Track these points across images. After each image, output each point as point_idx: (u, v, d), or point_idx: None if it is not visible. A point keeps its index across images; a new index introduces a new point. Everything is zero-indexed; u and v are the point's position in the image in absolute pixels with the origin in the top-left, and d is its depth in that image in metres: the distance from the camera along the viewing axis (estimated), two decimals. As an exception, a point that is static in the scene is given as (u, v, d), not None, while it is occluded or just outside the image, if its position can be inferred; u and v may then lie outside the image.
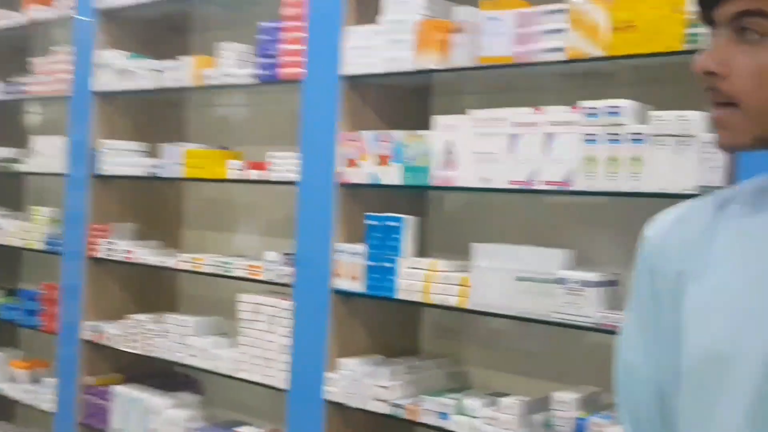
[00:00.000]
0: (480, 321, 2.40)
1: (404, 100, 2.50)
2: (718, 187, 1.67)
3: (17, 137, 3.70)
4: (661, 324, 1.00)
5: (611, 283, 1.94)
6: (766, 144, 0.91)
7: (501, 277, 2.05)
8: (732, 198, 1.01)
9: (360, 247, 2.33)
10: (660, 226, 1.04)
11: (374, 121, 2.43)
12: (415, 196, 2.49)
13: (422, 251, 2.50)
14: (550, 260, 1.98)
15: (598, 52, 1.89)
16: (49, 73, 3.38)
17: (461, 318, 2.48)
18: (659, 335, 1.00)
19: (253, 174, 2.62)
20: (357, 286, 2.33)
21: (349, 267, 2.36)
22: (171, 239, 3.32)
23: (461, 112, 2.15)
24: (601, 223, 2.24)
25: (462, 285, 2.13)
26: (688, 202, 1.06)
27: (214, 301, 3.11)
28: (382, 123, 2.44)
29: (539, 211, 2.33)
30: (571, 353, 2.28)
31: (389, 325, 2.56)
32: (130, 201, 3.26)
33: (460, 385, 2.49)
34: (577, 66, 1.97)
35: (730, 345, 0.89)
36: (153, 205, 3.32)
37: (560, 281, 1.93)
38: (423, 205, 2.56)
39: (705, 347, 0.91)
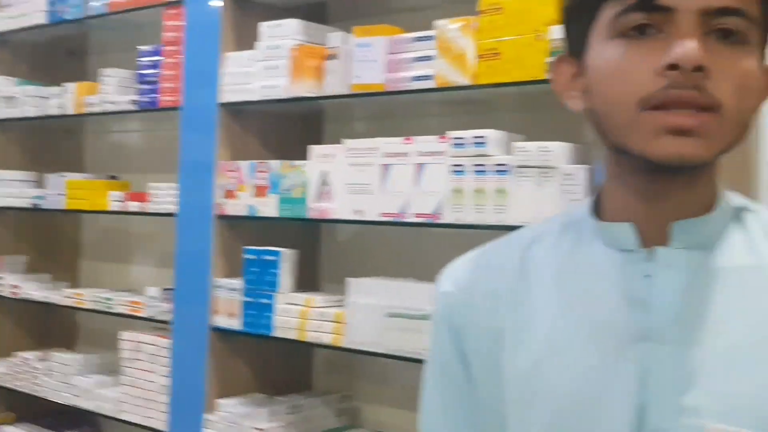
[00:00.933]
0: (369, 356, 2.32)
1: (290, 128, 2.42)
2: (580, 221, 1.63)
3: None
4: (477, 391, 0.91)
5: (484, 320, 1.86)
6: (716, 159, 0.83)
7: (373, 314, 1.96)
8: (534, 239, 0.93)
9: (238, 282, 2.23)
10: (461, 277, 0.94)
11: (258, 151, 2.35)
12: (305, 228, 2.41)
13: (314, 285, 2.42)
14: (421, 295, 1.90)
15: (466, 81, 1.83)
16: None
17: (351, 353, 2.39)
18: (472, 406, 0.91)
19: (133, 206, 2.51)
20: (234, 324, 2.23)
21: (227, 303, 2.26)
22: (68, 271, 3.19)
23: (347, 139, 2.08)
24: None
25: (337, 322, 2.04)
26: (486, 248, 0.97)
27: (111, 337, 2.98)
28: (267, 152, 2.35)
29: (431, 242, 2.25)
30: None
31: (276, 362, 2.45)
32: (24, 232, 3.13)
33: (349, 422, 2.39)
34: (446, 94, 1.91)
35: (589, 403, 0.82)
36: (48, 236, 3.18)
37: (429, 317, 1.85)
38: (315, 237, 2.48)
39: (555, 411, 0.84)
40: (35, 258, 3.12)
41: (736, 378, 0.80)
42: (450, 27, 1.86)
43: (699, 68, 0.76)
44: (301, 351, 2.47)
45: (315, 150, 2.10)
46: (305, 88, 2.10)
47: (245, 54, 2.24)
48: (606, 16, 0.82)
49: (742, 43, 0.79)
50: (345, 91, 2.03)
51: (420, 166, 1.89)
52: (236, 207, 2.25)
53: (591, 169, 1.64)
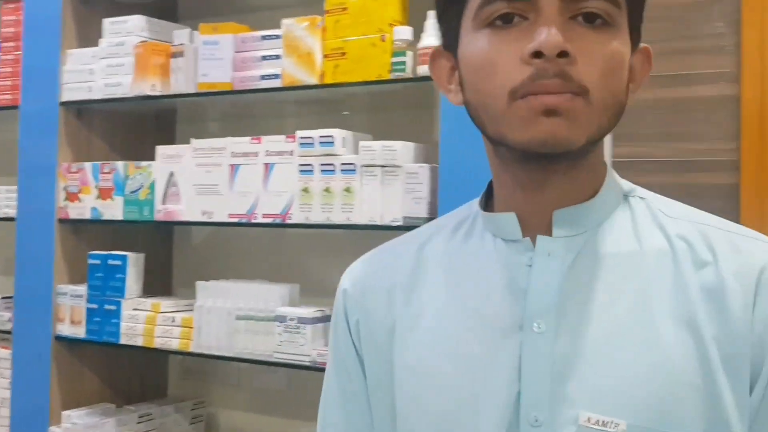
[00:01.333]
0: (222, 360, 2.27)
1: (140, 128, 2.34)
2: (424, 218, 1.65)
3: None
4: (371, 385, 0.90)
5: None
6: (585, 151, 0.81)
7: (222, 317, 1.92)
8: (432, 235, 0.93)
9: (82, 289, 2.14)
10: (359, 275, 0.94)
11: (104, 152, 2.26)
12: (156, 231, 2.34)
13: (167, 290, 2.35)
14: (271, 297, 1.88)
15: (313, 80, 1.82)
16: None
17: (204, 358, 2.34)
18: (363, 400, 0.91)
19: (-30, 210, 2.37)
20: (79, 332, 2.14)
21: (71, 311, 2.16)
22: None
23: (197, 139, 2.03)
24: (330, 254, 2.16)
25: (185, 326, 1.99)
26: (386, 245, 0.97)
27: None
28: (115, 154, 2.27)
29: (281, 242, 2.23)
30: (313, 391, 2.18)
31: (129, 370, 2.37)
32: None
33: (203, 429, 2.34)
34: (294, 94, 1.89)
35: (470, 394, 0.82)
36: None
37: (279, 319, 1.83)
38: (166, 240, 2.41)
39: (439, 404, 0.84)
40: None
41: (609, 366, 0.79)
42: (297, 26, 1.85)
43: (562, 54, 0.76)
44: (154, 358, 2.40)
45: (161, 150, 2.04)
46: (149, 87, 2.04)
47: (88, 51, 2.15)
48: (472, 6, 0.81)
49: (608, 26, 0.79)
50: (192, 90, 1.98)
51: (268, 166, 1.87)
52: (79, 210, 2.16)
53: (434, 168, 1.66)
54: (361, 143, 1.75)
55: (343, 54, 1.78)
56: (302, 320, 1.80)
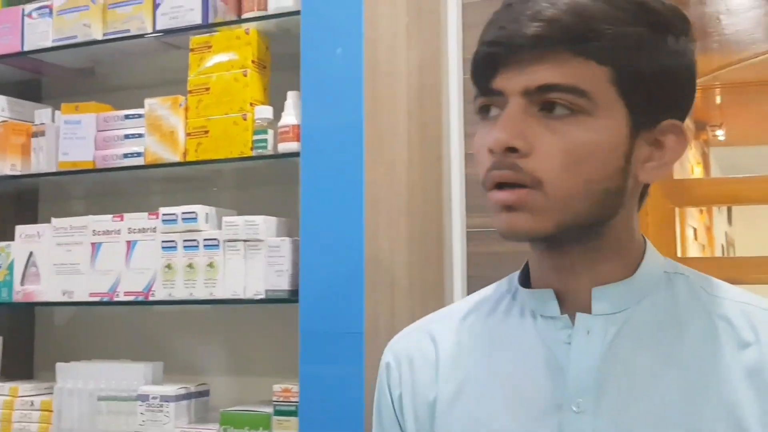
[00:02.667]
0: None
1: (2, 208, 2.29)
2: (286, 291, 1.68)
3: None
4: None
5: (199, 394, 1.85)
6: (568, 231, 0.82)
7: (83, 399, 1.88)
8: (471, 310, 0.95)
9: (-67, 376, 2.05)
10: (401, 350, 0.95)
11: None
12: (16, 313, 2.26)
13: (29, 373, 2.27)
14: (133, 376, 1.85)
15: (176, 158, 1.85)
16: None
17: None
18: None
19: None
20: (-71, 421, 2.04)
21: None
22: None
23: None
24: (195, 330, 2.15)
25: (44, 410, 1.93)
26: (426, 320, 0.98)
27: None
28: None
29: (145, 320, 2.20)
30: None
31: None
32: None
33: None
34: (158, 171, 1.91)
35: None
36: None
37: (141, 398, 1.80)
38: (28, 322, 2.33)
39: None
40: None
41: None
42: (160, 105, 1.88)
43: (511, 149, 0.79)
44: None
45: (20, 230, 2.01)
46: (9, 166, 2.01)
47: (-56, 130, 2.11)
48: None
49: (573, 115, 0.79)
50: (53, 169, 1.97)
51: (130, 243, 1.87)
52: (-68, 293, 2.08)
53: (296, 241, 1.71)
54: (225, 219, 1.78)
55: (206, 132, 1.82)
56: (165, 398, 1.78)
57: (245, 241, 1.74)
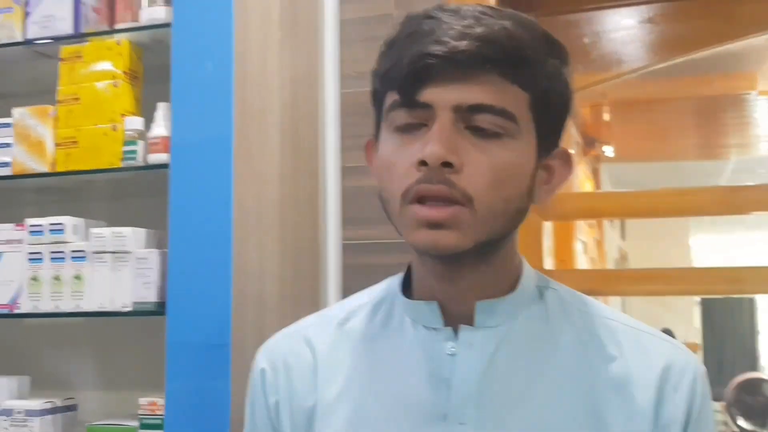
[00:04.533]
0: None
1: None
2: (153, 303, 1.68)
3: None
4: None
5: (66, 409, 1.82)
6: (481, 247, 0.84)
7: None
8: (350, 314, 0.95)
9: None
10: (277, 354, 0.95)
11: None
12: None
13: None
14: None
15: (44, 168, 1.83)
16: None
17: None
18: None
19: None
20: None
21: None
22: None
23: None
24: (63, 343, 2.12)
25: None
26: (302, 323, 0.98)
27: None
28: None
29: (12, 333, 2.15)
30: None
31: None
32: None
33: None
34: (27, 182, 1.88)
35: None
36: None
37: (6, 413, 1.77)
38: None
39: None
40: None
41: None
42: (28, 115, 1.85)
43: (446, 164, 0.79)
44: None
45: None
46: None
47: None
48: (386, 108, 0.86)
49: (500, 137, 0.82)
50: None
51: (-4, 255, 1.84)
52: None
53: (164, 253, 1.71)
54: (92, 230, 1.77)
55: (75, 143, 1.80)
56: (30, 413, 1.75)
57: (113, 252, 1.73)
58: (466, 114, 0.82)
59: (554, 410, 0.85)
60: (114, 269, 1.73)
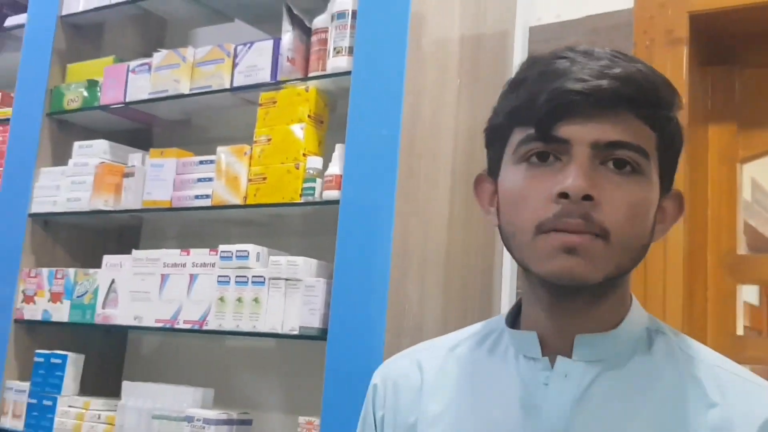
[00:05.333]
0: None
1: (97, 239, 2.54)
2: (316, 329, 1.80)
3: None
4: None
5: (241, 422, 1.98)
6: (607, 286, 0.87)
7: (141, 416, 2.05)
8: (461, 342, 1.01)
9: (26, 384, 2.30)
10: (389, 373, 1.02)
11: (66, 260, 2.46)
12: (106, 334, 2.49)
13: (116, 390, 2.49)
14: (185, 399, 2.01)
15: (237, 201, 2.03)
16: None
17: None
18: None
19: (-60, 308, 2.58)
20: (18, 425, 2.28)
21: (13, 405, 2.31)
22: None
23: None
24: (240, 361, 2.30)
25: (108, 424, 2.12)
26: (419, 346, 1.05)
27: None
28: (75, 262, 2.47)
29: (198, 347, 2.37)
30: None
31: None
32: None
33: None
34: (223, 213, 2.10)
35: None
36: None
37: (188, 419, 1.96)
38: (122, 343, 2.57)
39: None
40: None
41: None
42: (228, 153, 2.07)
43: (587, 197, 0.82)
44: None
45: (106, 259, 2.24)
46: (103, 202, 2.26)
47: (57, 169, 2.40)
48: (513, 142, 0.89)
49: (635, 173, 0.85)
50: (138, 206, 2.21)
51: (192, 276, 2.06)
52: (33, 311, 2.35)
53: (329, 282, 1.82)
54: (271, 258, 1.93)
55: (264, 179, 1.99)
56: (207, 421, 1.92)
57: (286, 279, 1.88)
58: (603, 150, 0.84)
59: None
60: (286, 295, 1.87)
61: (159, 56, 2.26)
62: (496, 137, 0.94)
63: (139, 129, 2.57)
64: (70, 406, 2.21)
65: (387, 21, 1.83)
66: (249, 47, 2.09)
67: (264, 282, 1.92)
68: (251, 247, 1.97)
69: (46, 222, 2.45)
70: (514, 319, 0.97)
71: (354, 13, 1.90)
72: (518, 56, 2.14)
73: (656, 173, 0.88)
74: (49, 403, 2.24)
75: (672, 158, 0.92)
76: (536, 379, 0.90)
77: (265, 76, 2.05)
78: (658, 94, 0.87)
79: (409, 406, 0.97)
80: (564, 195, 0.82)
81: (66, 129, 2.49)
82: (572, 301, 0.88)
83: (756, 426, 0.84)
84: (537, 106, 0.86)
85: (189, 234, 2.50)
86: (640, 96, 0.85)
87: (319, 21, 2.02)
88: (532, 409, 0.88)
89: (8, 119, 2.55)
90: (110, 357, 2.51)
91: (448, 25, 1.94)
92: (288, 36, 2.03)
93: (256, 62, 2.08)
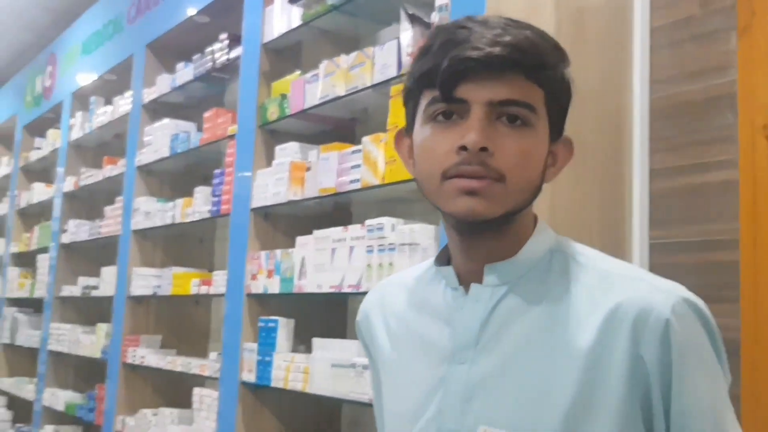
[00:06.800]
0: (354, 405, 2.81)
1: (308, 223, 3.02)
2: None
3: (95, 268, 4.59)
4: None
5: (394, 369, 2.33)
6: (508, 220, 1.02)
7: (324, 364, 2.49)
8: (418, 276, 1.19)
9: (254, 345, 2.86)
10: (366, 306, 1.25)
11: (286, 242, 2.99)
12: (306, 300, 2.96)
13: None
14: (350, 350, 2.41)
15: (377, 182, 2.38)
16: (112, 218, 4.27)
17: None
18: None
19: (203, 288, 3.26)
20: (252, 377, 2.85)
21: (249, 362, 2.89)
22: (198, 347, 3.97)
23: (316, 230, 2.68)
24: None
25: (305, 373, 2.59)
26: (386, 281, 1.27)
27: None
28: (286, 243, 2.97)
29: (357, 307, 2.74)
30: None
31: (303, 414, 3.01)
32: (162, 317, 3.99)
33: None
34: (369, 192, 2.46)
35: (414, 406, 1.09)
36: (180, 320, 4.02)
37: (352, 366, 2.35)
38: (313, 307, 3.00)
39: (394, 412, 1.14)
40: (168, 337, 3.96)
41: (502, 391, 1.01)
42: (369, 141, 2.43)
43: (483, 149, 0.96)
44: (328, 405, 2.98)
45: (299, 240, 2.72)
46: (293, 193, 2.74)
47: (267, 170, 2.93)
48: (422, 104, 1.03)
49: (524, 126, 0.99)
50: (314, 195, 2.65)
51: (351, 248, 2.45)
52: (257, 286, 2.90)
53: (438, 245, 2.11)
54: (399, 227, 2.26)
55: (395, 161, 2.32)
56: (365, 366, 2.30)
57: (409, 244, 2.20)
58: (496, 108, 0.98)
59: (534, 356, 1.00)
60: (410, 258, 2.19)
61: (322, 66, 2.68)
62: (409, 98, 1.07)
63: (318, 129, 3.02)
64: (283, 361, 2.72)
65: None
66: (381, 48, 2.43)
67: (395, 248, 2.25)
68: (386, 220, 2.31)
69: (266, 214, 3.00)
70: (448, 257, 1.15)
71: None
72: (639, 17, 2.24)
73: (545, 124, 1.02)
74: (269, 359, 2.77)
75: (560, 110, 1.05)
76: (457, 305, 1.07)
77: (392, 72, 2.38)
78: (543, 57, 1.00)
79: (383, 333, 1.18)
80: (464, 148, 0.97)
81: (271, 136, 3.02)
82: (478, 236, 1.04)
83: (631, 315, 0.97)
84: (440, 72, 0.99)
85: (348, 213, 2.91)
86: (527, 60, 0.99)
87: (436, 15, 2.30)
88: (453, 329, 1.06)
89: (234, 135, 3.15)
90: (305, 319, 2.96)
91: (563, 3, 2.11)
92: (406, 34, 2.34)
93: (386, 61, 2.41)
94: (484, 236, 1.04)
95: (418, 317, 1.13)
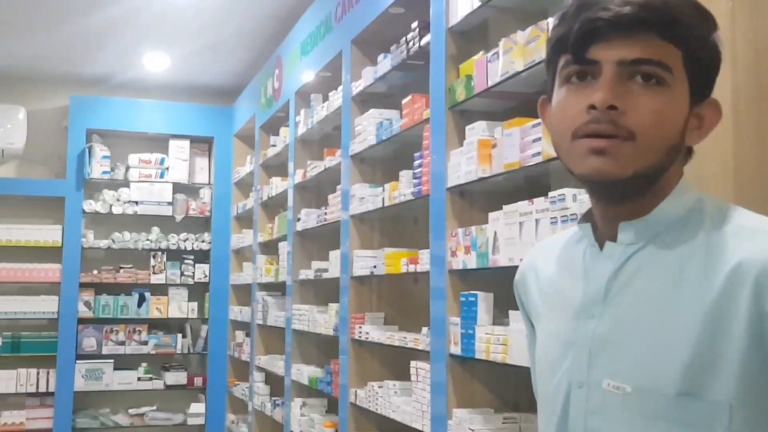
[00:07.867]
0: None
1: (502, 198, 3.07)
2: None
3: (324, 252, 4.92)
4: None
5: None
6: (640, 181, 1.03)
7: (521, 336, 2.55)
8: (570, 238, 1.24)
9: (458, 319, 2.98)
10: (524, 266, 1.32)
11: (479, 219, 3.07)
12: (501, 273, 3.03)
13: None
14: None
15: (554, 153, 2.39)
16: (334, 205, 4.57)
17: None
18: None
19: (411, 267, 3.43)
20: (457, 350, 2.97)
21: (454, 335, 3.01)
22: (418, 323, 4.16)
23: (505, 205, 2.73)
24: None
25: (504, 344, 2.67)
26: (543, 242, 1.35)
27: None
28: (485, 219, 3.06)
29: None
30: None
31: (511, 384, 3.08)
32: (383, 295, 4.23)
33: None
34: (550, 165, 2.47)
35: (553, 361, 1.16)
36: (401, 297, 4.23)
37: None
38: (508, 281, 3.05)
39: (542, 364, 1.23)
40: (391, 313, 4.19)
41: (627, 346, 1.04)
42: (548, 114, 2.45)
43: (612, 107, 0.98)
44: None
45: (491, 216, 2.79)
46: (482, 170, 2.82)
47: (458, 150, 3.03)
48: (559, 67, 1.08)
49: (659, 85, 1.00)
50: (500, 170, 2.70)
51: (537, 221, 2.48)
52: (457, 263, 3.01)
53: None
54: (579, 197, 2.26)
55: (571, 131, 2.32)
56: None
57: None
58: (629, 67, 1.00)
59: (659, 313, 1.02)
60: (589, 227, 2.19)
61: (501, 44, 2.73)
62: (549, 65, 1.12)
63: (505, 106, 3.05)
64: (485, 333, 2.82)
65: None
66: (550, 21, 2.44)
67: (577, 218, 2.26)
68: (567, 191, 2.33)
69: (461, 192, 3.10)
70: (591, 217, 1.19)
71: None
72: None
73: (683, 84, 1.03)
74: (471, 331, 2.88)
75: (705, 72, 1.06)
76: (592, 261, 1.13)
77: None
78: (676, 15, 1.03)
79: (534, 292, 1.26)
80: (593, 107, 1.00)
81: (461, 117, 3.11)
82: (610, 195, 1.06)
83: (755, 271, 0.97)
84: (572, 35, 1.03)
85: (543, 185, 2.89)
86: (657, 17, 1.01)
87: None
88: (586, 283, 1.12)
89: (428, 118, 3.27)
90: (504, 293, 2.99)
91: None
92: None
93: (558, 32, 2.41)
94: (616, 195, 1.06)
95: (562, 275, 1.19)
